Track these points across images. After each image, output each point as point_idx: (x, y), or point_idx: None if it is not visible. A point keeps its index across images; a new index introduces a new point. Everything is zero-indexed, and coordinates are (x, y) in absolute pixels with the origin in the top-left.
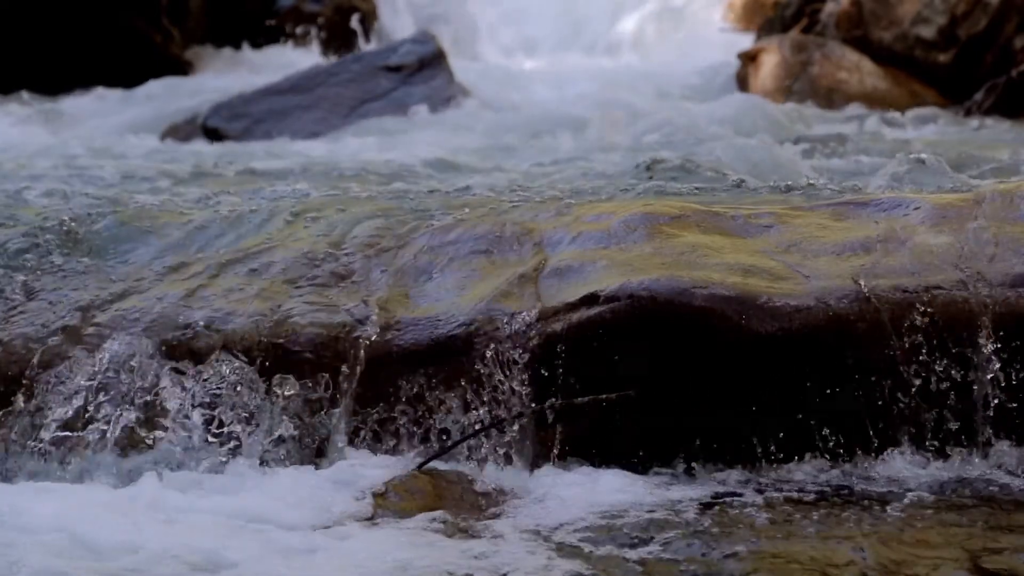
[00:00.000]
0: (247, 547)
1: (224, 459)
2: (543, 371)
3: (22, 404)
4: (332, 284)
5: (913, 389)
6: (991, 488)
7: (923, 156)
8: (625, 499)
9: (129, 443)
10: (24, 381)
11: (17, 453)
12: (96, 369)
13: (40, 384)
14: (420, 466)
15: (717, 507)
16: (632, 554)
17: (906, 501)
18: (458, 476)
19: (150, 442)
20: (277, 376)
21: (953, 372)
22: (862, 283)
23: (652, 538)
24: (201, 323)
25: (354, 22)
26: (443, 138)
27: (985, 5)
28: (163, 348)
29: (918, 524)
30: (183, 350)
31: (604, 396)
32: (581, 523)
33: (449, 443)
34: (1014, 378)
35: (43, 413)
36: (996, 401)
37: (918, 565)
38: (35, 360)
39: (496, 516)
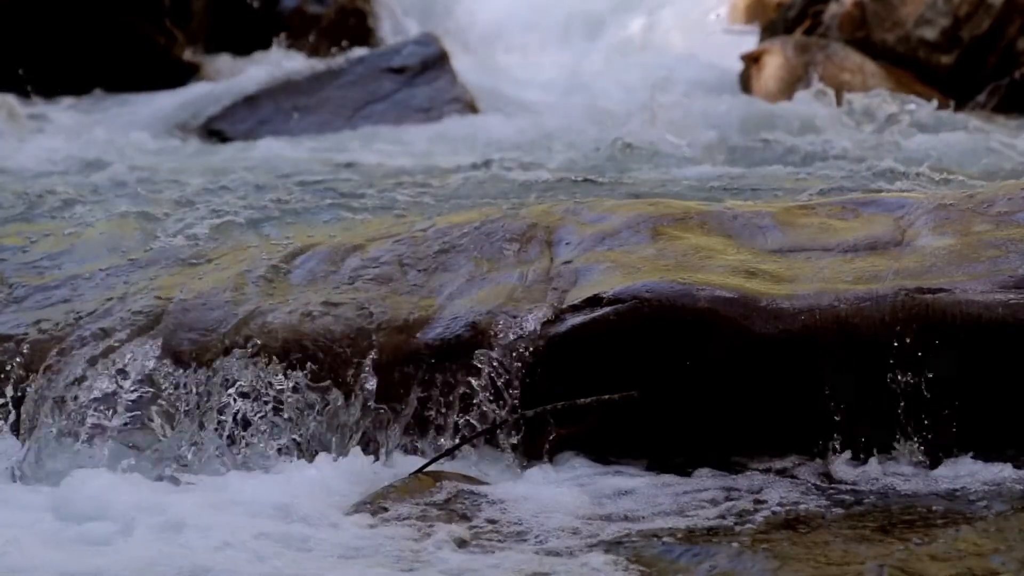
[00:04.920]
0: (240, 544)
1: (221, 456)
2: (547, 372)
3: (36, 402)
4: (345, 283)
5: (917, 391)
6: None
7: (926, 157)
8: (627, 500)
9: (142, 439)
10: (35, 381)
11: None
12: (118, 367)
13: (53, 383)
14: (422, 468)
15: (718, 508)
16: (638, 555)
17: (901, 505)
18: (460, 477)
19: (159, 439)
20: (283, 375)
21: (957, 374)
22: (865, 285)
23: (658, 539)
24: (211, 321)
25: (357, 24)
26: (446, 140)
27: (988, 7)
28: (175, 347)
29: (922, 531)
30: (197, 348)
31: (607, 397)
32: (584, 523)
33: (451, 445)
34: (1018, 380)
35: (57, 410)
36: (1000, 402)
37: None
38: (48, 360)
39: (499, 517)
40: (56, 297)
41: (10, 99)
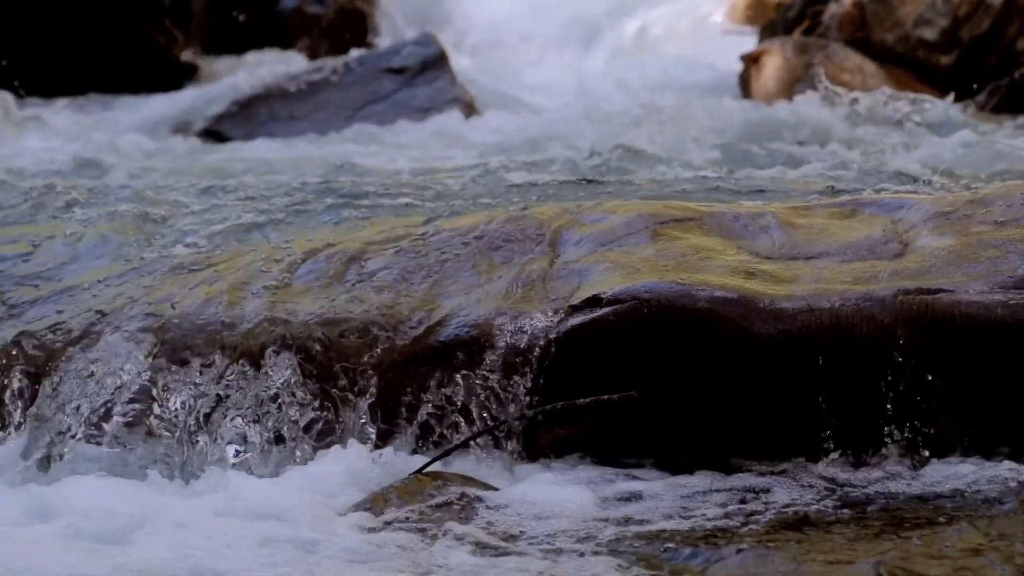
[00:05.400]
0: (242, 546)
1: (226, 457)
2: (547, 372)
3: (40, 399)
4: (346, 287)
5: (917, 391)
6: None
7: (926, 158)
8: (631, 501)
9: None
10: (39, 379)
11: (39, 447)
12: (118, 372)
13: (54, 388)
14: (421, 469)
15: (721, 509)
16: (642, 558)
17: (902, 504)
18: (460, 478)
19: (155, 438)
20: (283, 378)
21: (956, 374)
22: (864, 285)
23: (662, 541)
24: (211, 326)
25: (356, 24)
26: (446, 141)
27: (988, 7)
28: (175, 352)
29: (924, 530)
30: (197, 352)
31: (606, 397)
32: (587, 525)
33: (451, 445)
34: (1018, 380)
35: (63, 409)
36: (999, 402)
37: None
38: (52, 358)
39: (501, 519)
40: (54, 301)
41: (7, 99)
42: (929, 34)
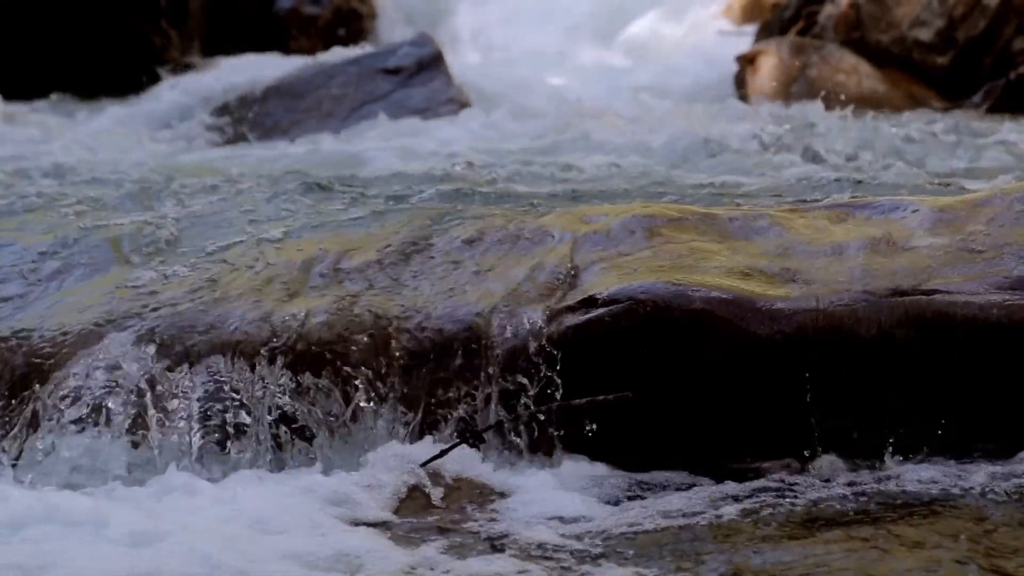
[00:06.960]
0: (239, 548)
1: (225, 460)
2: (543, 372)
3: (35, 401)
4: (343, 286)
5: (913, 392)
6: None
7: (921, 159)
8: (624, 501)
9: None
10: (36, 381)
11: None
12: (118, 373)
13: (52, 390)
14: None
15: (721, 509)
16: (635, 558)
17: (900, 503)
18: (457, 478)
19: (150, 440)
20: (285, 378)
21: (952, 375)
22: (860, 286)
23: (661, 542)
24: (218, 323)
25: (353, 24)
26: (442, 141)
27: (983, 8)
28: (174, 352)
29: (922, 529)
30: (198, 352)
31: (602, 398)
32: (578, 525)
33: (446, 447)
34: (1014, 380)
35: (67, 411)
36: (996, 402)
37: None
38: (54, 361)
39: (495, 518)
40: (54, 303)
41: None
42: (925, 35)
